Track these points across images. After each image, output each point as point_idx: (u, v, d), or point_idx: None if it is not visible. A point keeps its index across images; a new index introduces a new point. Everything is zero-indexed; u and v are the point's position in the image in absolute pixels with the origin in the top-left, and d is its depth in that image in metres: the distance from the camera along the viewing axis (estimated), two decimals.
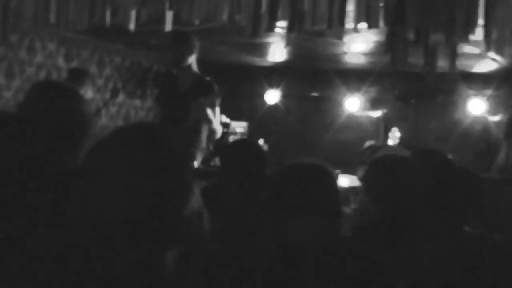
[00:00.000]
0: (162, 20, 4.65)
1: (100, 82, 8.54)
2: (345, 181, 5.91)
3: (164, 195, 1.34)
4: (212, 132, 5.09)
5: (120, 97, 8.75)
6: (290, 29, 4.60)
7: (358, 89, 9.11)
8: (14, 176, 1.57)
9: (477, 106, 8.79)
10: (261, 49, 8.01)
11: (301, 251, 2.03)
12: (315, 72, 9.14)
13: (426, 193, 2.57)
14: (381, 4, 4.29)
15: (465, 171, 2.83)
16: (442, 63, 4.61)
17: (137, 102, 9.15)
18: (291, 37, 5.54)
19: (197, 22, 4.63)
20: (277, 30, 4.81)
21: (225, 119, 7.50)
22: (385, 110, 8.93)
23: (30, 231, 1.46)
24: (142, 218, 1.31)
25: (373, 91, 9.21)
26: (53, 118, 2.01)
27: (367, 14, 4.32)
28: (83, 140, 2.07)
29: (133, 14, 4.74)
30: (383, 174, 2.57)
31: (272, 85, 9.69)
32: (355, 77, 9.05)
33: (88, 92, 6.60)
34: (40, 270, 1.32)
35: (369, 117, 9.28)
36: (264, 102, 9.78)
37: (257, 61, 9.14)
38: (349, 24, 4.46)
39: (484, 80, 8.65)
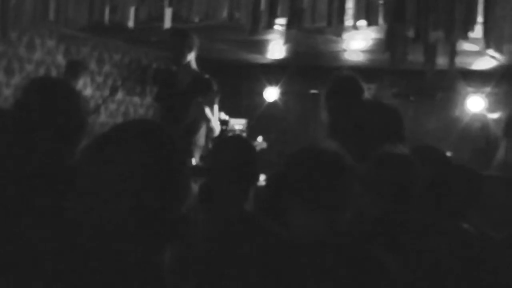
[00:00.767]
0: (161, 18, 4.64)
1: (99, 79, 8.54)
2: None
3: (163, 193, 1.33)
4: (210, 129, 5.09)
5: (120, 94, 8.75)
6: (289, 26, 4.59)
7: None
8: (10, 174, 1.56)
9: (476, 104, 8.79)
10: (261, 47, 8.00)
11: (300, 247, 2.03)
12: (314, 70, 9.14)
13: (425, 190, 2.57)
14: (381, 2, 4.29)
15: (464, 168, 2.84)
16: (441, 61, 4.60)
17: (136, 99, 9.15)
18: (290, 35, 5.53)
19: (196, 19, 4.63)
20: (276, 27, 4.80)
21: (224, 116, 7.50)
22: None
23: (28, 230, 1.45)
24: (141, 216, 1.31)
25: (372, 89, 9.20)
26: (50, 115, 2.00)
27: (366, 12, 4.32)
28: (81, 137, 2.06)
29: (132, 11, 4.74)
30: (383, 171, 2.57)
31: (271, 82, 9.69)
32: None
33: (86, 87, 6.59)
34: (40, 269, 1.31)
35: None
36: (263, 100, 9.78)
37: (257, 58, 9.13)
38: (348, 22, 4.46)
39: (483, 78, 8.66)
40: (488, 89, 8.69)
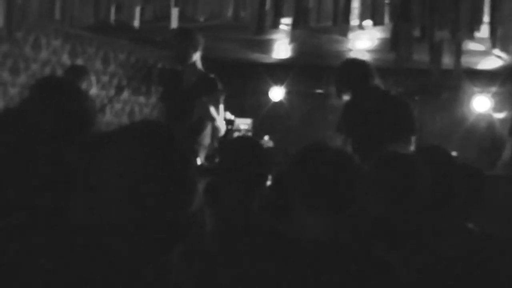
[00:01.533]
0: (166, 17, 4.65)
1: (105, 78, 8.55)
2: None
3: (169, 193, 1.33)
4: (216, 129, 5.09)
5: (125, 94, 8.77)
6: (294, 26, 4.60)
7: None
8: (14, 174, 1.56)
9: (481, 103, 8.77)
10: (266, 46, 8.00)
11: (304, 247, 2.03)
12: (319, 69, 9.13)
13: (430, 190, 2.57)
14: (386, 1, 4.29)
15: (469, 168, 2.83)
16: (447, 60, 4.60)
17: (141, 99, 9.16)
18: (295, 34, 5.54)
19: (202, 19, 4.64)
20: (281, 27, 4.81)
21: (230, 116, 7.50)
22: None
23: (30, 231, 1.45)
24: (147, 216, 1.31)
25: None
26: (57, 115, 2.00)
27: (372, 11, 4.32)
28: (87, 137, 2.06)
29: (137, 10, 4.75)
30: (386, 172, 2.57)
31: (276, 82, 9.69)
32: None
33: (90, 89, 6.60)
34: (41, 269, 1.31)
35: None
36: (268, 99, 9.78)
37: (262, 58, 9.13)
38: (354, 21, 4.47)
39: (489, 78, 8.64)
40: (494, 89, 8.67)
